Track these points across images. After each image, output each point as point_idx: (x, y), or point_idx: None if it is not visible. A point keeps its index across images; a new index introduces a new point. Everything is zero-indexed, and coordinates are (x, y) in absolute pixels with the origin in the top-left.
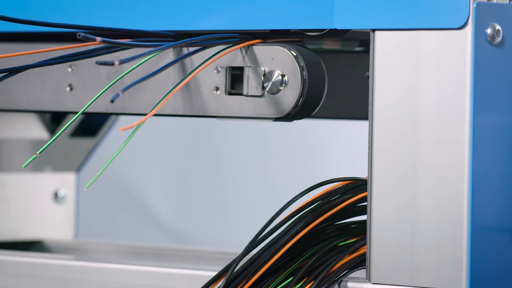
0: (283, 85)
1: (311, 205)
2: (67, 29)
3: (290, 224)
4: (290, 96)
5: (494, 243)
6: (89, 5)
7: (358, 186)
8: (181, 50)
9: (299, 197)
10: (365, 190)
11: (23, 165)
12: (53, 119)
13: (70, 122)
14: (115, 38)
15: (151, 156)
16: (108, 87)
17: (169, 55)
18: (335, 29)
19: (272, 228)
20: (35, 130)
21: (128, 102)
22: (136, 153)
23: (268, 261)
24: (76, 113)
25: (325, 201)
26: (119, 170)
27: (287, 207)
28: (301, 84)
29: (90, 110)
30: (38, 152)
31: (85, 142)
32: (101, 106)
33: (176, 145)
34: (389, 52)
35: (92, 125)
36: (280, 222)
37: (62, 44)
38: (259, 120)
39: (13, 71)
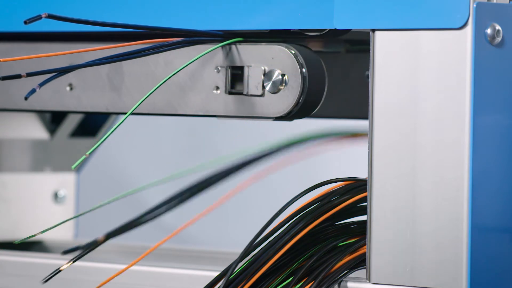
0: (283, 84)
1: (310, 206)
2: (116, 28)
3: (289, 224)
4: (290, 96)
5: (494, 243)
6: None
7: (358, 186)
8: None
9: (299, 197)
10: (365, 190)
11: (73, 166)
12: (53, 119)
13: (121, 122)
14: (164, 37)
15: (151, 156)
16: (157, 87)
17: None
18: (335, 29)
19: (272, 229)
20: (35, 130)
21: (128, 102)
22: (136, 153)
23: (267, 262)
24: (80, 112)
25: (325, 201)
26: (119, 170)
27: (286, 208)
28: (301, 83)
29: (90, 109)
30: (87, 153)
31: (85, 142)
32: (101, 106)
33: (176, 144)
34: (389, 52)
35: (92, 125)
36: (280, 223)
37: (106, 43)
38: (259, 119)
39: (62, 71)
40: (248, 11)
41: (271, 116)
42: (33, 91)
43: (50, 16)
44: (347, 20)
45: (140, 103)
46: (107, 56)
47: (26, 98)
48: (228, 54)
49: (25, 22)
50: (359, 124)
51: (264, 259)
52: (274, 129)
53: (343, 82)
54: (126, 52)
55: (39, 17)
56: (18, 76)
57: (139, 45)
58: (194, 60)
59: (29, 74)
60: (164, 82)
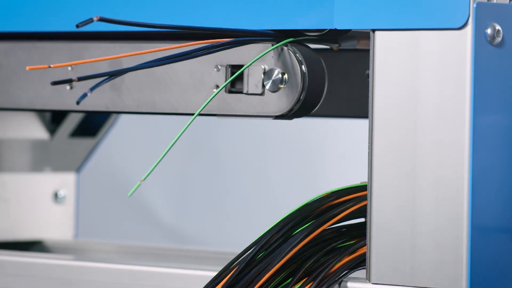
0: (283, 83)
1: (313, 214)
2: (167, 29)
3: (292, 232)
4: (290, 94)
5: (494, 243)
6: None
7: (358, 191)
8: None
9: (312, 205)
10: (365, 198)
11: (129, 194)
12: (53, 119)
13: (187, 125)
14: (214, 38)
15: (151, 156)
16: (219, 91)
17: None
18: (335, 29)
19: (277, 238)
20: (35, 130)
21: (128, 101)
22: (136, 153)
23: (271, 269)
24: (80, 112)
25: (328, 210)
26: (119, 170)
27: (300, 215)
28: (301, 82)
29: (90, 109)
30: (160, 158)
31: (85, 142)
32: (101, 105)
33: (176, 144)
34: (389, 52)
35: (92, 125)
36: (284, 232)
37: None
38: (259, 118)
39: (112, 75)
40: (249, 11)
41: (271, 115)
42: (84, 95)
43: (102, 19)
44: (347, 20)
45: (207, 104)
46: (158, 58)
47: (78, 103)
48: (227, 52)
49: (77, 26)
50: (359, 124)
51: (269, 266)
52: (274, 127)
53: (343, 81)
54: (177, 53)
55: (90, 20)
56: (70, 81)
57: (189, 46)
58: (257, 59)
59: (80, 79)
60: (228, 83)
